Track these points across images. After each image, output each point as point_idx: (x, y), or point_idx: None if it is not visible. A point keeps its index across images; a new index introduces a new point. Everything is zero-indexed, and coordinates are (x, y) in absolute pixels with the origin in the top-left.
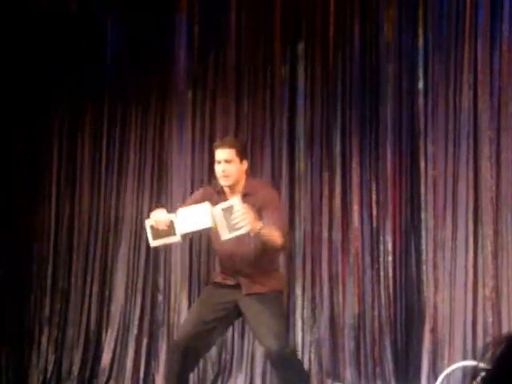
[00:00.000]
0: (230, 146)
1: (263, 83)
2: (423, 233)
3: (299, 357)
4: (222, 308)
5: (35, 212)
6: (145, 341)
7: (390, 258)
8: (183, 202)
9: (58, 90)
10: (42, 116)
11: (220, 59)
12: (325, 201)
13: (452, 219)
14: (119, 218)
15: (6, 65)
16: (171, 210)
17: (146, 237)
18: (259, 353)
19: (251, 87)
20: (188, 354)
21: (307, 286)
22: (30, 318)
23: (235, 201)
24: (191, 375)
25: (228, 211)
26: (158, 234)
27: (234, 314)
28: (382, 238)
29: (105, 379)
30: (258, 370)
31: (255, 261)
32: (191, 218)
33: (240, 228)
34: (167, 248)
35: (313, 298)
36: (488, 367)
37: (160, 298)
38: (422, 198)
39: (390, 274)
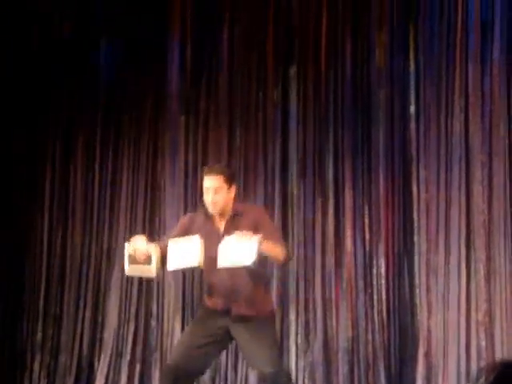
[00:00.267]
0: (218, 173)
1: (255, 106)
2: (416, 257)
3: (293, 381)
4: (214, 333)
5: (27, 237)
6: (138, 367)
7: (383, 282)
8: (171, 229)
9: (50, 114)
10: (34, 144)
11: (212, 82)
12: (317, 225)
13: (445, 243)
14: (112, 243)
15: None
16: (163, 233)
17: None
18: (253, 377)
19: (243, 110)
20: (180, 378)
21: (301, 311)
22: (22, 344)
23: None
24: None
25: (226, 246)
26: (134, 262)
27: (226, 338)
28: (375, 262)
29: None
30: None
31: (245, 285)
32: (181, 253)
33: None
34: (159, 273)
35: (306, 323)
36: None
37: (153, 323)
38: (415, 222)
39: (384, 298)
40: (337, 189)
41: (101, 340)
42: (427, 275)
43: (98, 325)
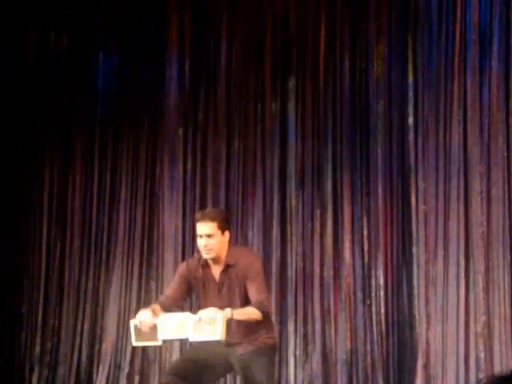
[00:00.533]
0: (211, 220)
1: (254, 119)
2: (415, 268)
3: None
4: (215, 357)
5: (26, 249)
6: (136, 379)
7: (382, 294)
8: (170, 283)
9: (49, 124)
10: (32, 156)
11: (211, 95)
12: (316, 237)
13: (443, 255)
14: (110, 256)
15: None
16: (161, 240)
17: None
18: None
19: (242, 123)
20: None
21: (299, 323)
22: (20, 357)
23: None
24: None
25: (198, 323)
26: (140, 334)
27: (226, 366)
28: (373, 274)
29: None
30: None
31: (242, 329)
32: (172, 325)
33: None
34: (158, 285)
35: (305, 335)
36: None
37: None
38: (414, 233)
39: (382, 310)
40: (335, 200)
41: (99, 352)
42: (426, 287)
43: (96, 337)
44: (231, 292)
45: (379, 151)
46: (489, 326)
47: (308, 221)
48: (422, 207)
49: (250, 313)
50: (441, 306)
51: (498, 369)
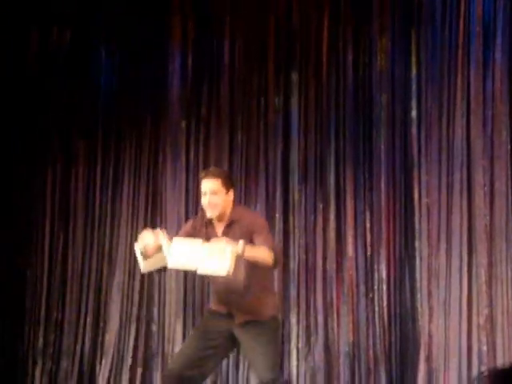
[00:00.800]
0: (215, 177)
1: (257, 113)
2: (417, 262)
3: None
4: (217, 337)
5: (28, 243)
6: (139, 371)
7: (385, 287)
8: (176, 234)
9: (51, 119)
10: (35, 149)
11: (213, 89)
12: (319, 230)
13: (446, 248)
14: (113, 248)
15: None
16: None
17: (138, 263)
18: (254, 381)
19: (245, 117)
20: (182, 383)
21: (302, 315)
22: (23, 350)
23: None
24: None
25: (208, 255)
26: (147, 258)
27: (229, 343)
28: (376, 267)
29: None
30: None
31: (247, 290)
32: (182, 252)
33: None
34: (161, 278)
35: (307, 327)
36: None
37: (154, 328)
38: (416, 227)
39: (385, 303)
40: (338, 194)
41: (102, 345)
42: (428, 280)
43: (99, 329)
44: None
45: (382, 145)
46: (491, 319)
47: (311, 214)
48: (424, 201)
49: (262, 252)
50: (443, 300)
51: (500, 362)
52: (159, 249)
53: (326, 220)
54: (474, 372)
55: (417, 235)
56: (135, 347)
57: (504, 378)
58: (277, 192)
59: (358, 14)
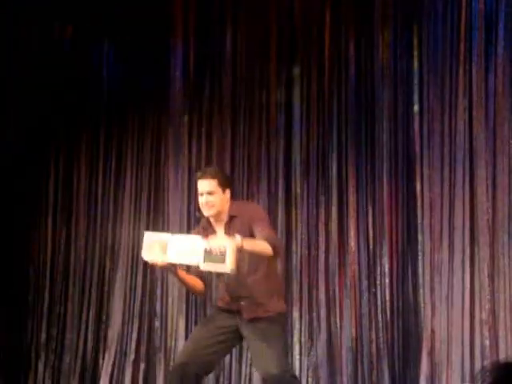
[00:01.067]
0: (212, 177)
1: (259, 106)
2: (420, 256)
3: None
4: (223, 332)
5: (31, 237)
6: (142, 366)
7: (387, 281)
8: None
9: (53, 113)
10: (38, 145)
11: (216, 83)
12: (321, 224)
13: (449, 242)
14: (116, 243)
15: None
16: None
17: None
18: (256, 376)
19: (247, 110)
20: (187, 378)
21: (304, 310)
22: (26, 344)
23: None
24: None
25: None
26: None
27: (235, 338)
28: (378, 261)
29: None
30: None
31: (251, 290)
32: (183, 249)
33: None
34: (164, 272)
35: (310, 322)
36: None
37: (157, 323)
38: (419, 221)
39: (387, 297)
40: (340, 188)
41: (105, 339)
42: (431, 274)
43: (102, 324)
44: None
45: (384, 139)
46: (494, 313)
47: (313, 208)
48: (427, 194)
49: (261, 243)
50: (446, 294)
51: (503, 356)
52: (223, 255)
53: (328, 214)
54: (477, 366)
55: (419, 229)
56: (138, 342)
57: (506, 373)
58: (279, 185)
59: (360, 7)
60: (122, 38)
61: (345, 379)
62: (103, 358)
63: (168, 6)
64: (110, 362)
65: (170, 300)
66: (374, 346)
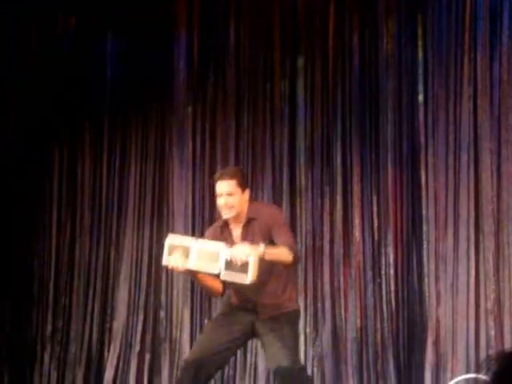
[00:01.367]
0: (231, 178)
1: (263, 97)
2: (425, 245)
3: (308, 374)
4: (238, 329)
5: (36, 229)
6: (147, 357)
7: (392, 271)
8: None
9: (58, 102)
10: (42, 140)
11: (220, 73)
12: (326, 214)
13: (453, 232)
14: (120, 234)
15: (4, 80)
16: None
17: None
18: (261, 368)
19: (251, 102)
20: (200, 375)
21: (309, 300)
22: (31, 336)
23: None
24: None
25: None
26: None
27: (249, 334)
28: (383, 251)
29: None
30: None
31: (268, 290)
32: (205, 256)
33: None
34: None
35: (315, 312)
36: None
37: (162, 314)
38: (424, 210)
39: (392, 287)
40: (345, 178)
41: (110, 330)
42: (436, 264)
43: (107, 315)
44: (255, 245)
45: (389, 128)
46: (499, 303)
47: (317, 198)
48: (431, 184)
49: (281, 252)
50: (451, 283)
51: (508, 345)
52: (245, 266)
53: (332, 204)
54: (482, 356)
55: (424, 218)
56: (143, 333)
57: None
58: (283, 176)
59: None
60: (125, 30)
61: (350, 369)
62: (108, 349)
63: None
64: (116, 353)
65: (174, 291)
66: (378, 335)
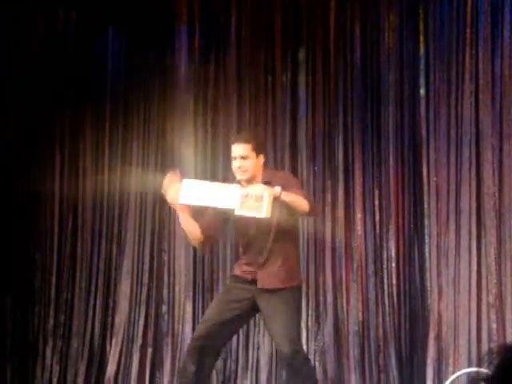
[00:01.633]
0: (246, 142)
1: (264, 91)
2: (426, 239)
3: (311, 362)
4: (240, 306)
5: (38, 223)
6: (149, 351)
7: (394, 265)
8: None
9: (59, 98)
10: (43, 126)
11: (221, 68)
12: (328, 208)
13: (455, 226)
14: (123, 228)
15: (5, 77)
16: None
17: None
18: (264, 360)
19: (252, 95)
20: (206, 352)
21: (311, 294)
22: (33, 330)
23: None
24: None
25: (245, 198)
26: (191, 194)
27: (252, 310)
28: (385, 245)
29: None
30: (263, 377)
31: (273, 251)
32: (220, 193)
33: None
34: (170, 258)
35: (317, 306)
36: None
37: (164, 308)
38: (425, 204)
39: (394, 281)
40: (347, 172)
41: (112, 325)
42: (438, 258)
43: (109, 310)
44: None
45: (390, 122)
46: (501, 297)
47: (319, 192)
48: (433, 178)
49: (297, 198)
50: (453, 278)
51: (510, 339)
52: (260, 200)
53: (334, 197)
54: (484, 350)
55: (426, 213)
56: (145, 327)
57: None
58: (285, 170)
59: None
60: (126, 23)
61: (352, 363)
62: (110, 344)
63: None
64: (118, 348)
65: (177, 285)
66: (380, 330)
